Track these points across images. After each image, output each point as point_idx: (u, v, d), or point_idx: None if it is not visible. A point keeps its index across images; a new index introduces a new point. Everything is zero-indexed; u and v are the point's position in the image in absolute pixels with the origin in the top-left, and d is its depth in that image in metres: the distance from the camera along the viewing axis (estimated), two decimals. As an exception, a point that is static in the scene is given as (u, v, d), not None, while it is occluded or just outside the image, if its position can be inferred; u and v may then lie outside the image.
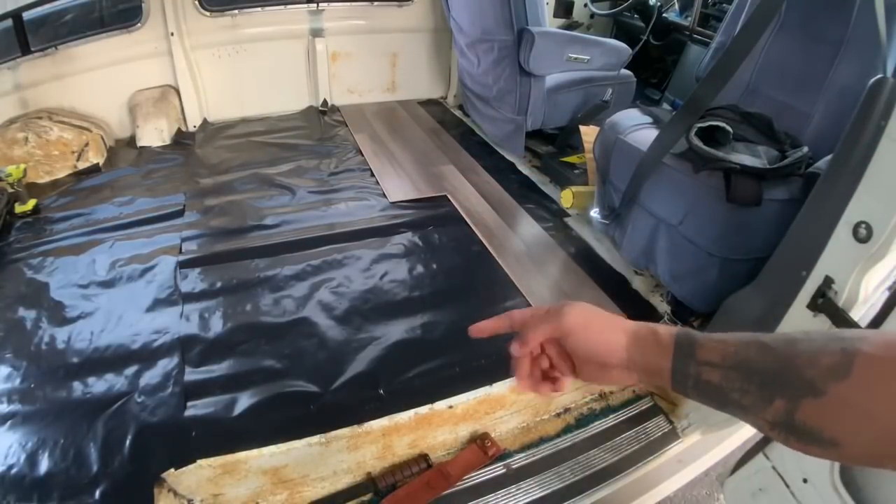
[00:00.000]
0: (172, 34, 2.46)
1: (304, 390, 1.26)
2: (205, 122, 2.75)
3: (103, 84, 2.43)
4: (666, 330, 0.48)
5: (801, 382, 0.39)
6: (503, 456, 1.30)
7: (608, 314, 0.53)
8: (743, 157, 1.30)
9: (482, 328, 0.58)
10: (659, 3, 2.62)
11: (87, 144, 2.26)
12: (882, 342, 0.37)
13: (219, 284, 1.58)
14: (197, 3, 2.49)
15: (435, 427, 1.27)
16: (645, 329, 0.50)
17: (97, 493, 1.04)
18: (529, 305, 1.55)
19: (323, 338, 1.42)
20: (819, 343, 0.40)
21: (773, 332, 0.44)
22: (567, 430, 1.37)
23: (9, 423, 1.16)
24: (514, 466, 1.28)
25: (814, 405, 0.38)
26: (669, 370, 0.46)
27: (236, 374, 1.30)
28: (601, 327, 0.51)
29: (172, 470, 1.07)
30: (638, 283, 1.68)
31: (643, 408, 1.46)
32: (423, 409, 1.23)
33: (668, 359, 0.47)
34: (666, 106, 2.60)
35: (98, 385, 1.25)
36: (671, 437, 1.38)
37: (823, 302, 1.00)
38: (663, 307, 1.58)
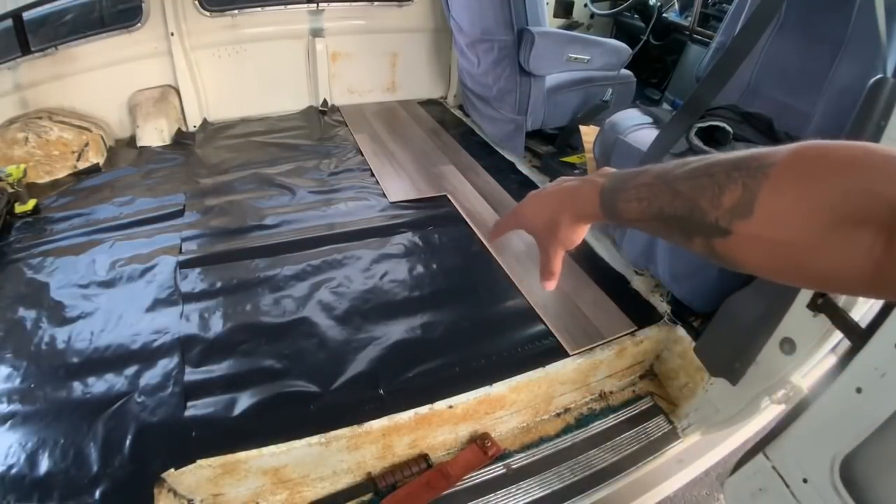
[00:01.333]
0: (172, 34, 2.46)
1: (304, 390, 1.26)
2: (205, 122, 2.75)
3: (103, 84, 2.43)
4: (587, 194, 0.51)
5: (708, 225, 0.39)
6: (503, 456, 1.30)
7: (545, 189, 0.60)
8: (743, 157, 1.30)
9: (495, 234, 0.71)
10: (659, 3, 2.62)
11: (87, 144, 2.26)
12: (788, 160, 0.36)
13: (219, 284, 1.58)
14: (197, 3, 2.49)
15: (435, 427, 1.27)
16: (569, 189, 0.55)
17: (97, 493, 1.04)
18: (529, 305, 1.55)
19: (323, 338, 1.41)
20: (723, 175, 0.39)
21: (691, 161, 0.43)
22: (567, 430, 1.38)
23: (9, 423, 1.16)
24: (514, 466, 1.28)
25: (725, 243, 0.39)
26: (605, 220, 0.50)
27: (236, 374, 1.29)
28: (542, 196, 0.60)
29: (172, 470, 1.07)
30: (638, 283, 1.68)
31: (643, 408, 1.47)
32: (423, 409, 1.23)
33: (601, 218, 0.51)
34: (666, 106, 2.60)
35: (98, 385, 1.25)
36: (671, 437, 1.38)
37: (823, 302, 1.00)
38: (663, 307, 1.58)
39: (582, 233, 0.57)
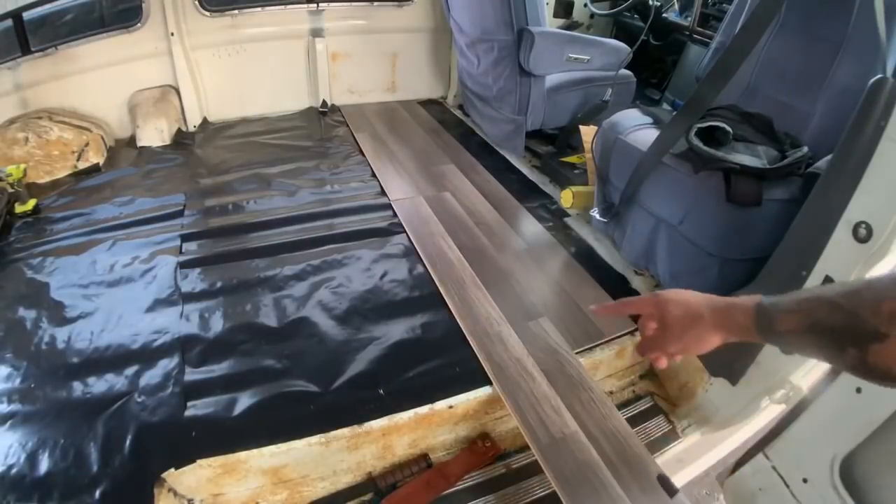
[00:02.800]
0: (172, 34, 2.46)
1: (304, 390, 1.26)
2: (205, 122, 2.75)
3: (103, 84, 2.43)
4: (743, 307, 0.56)
5: (866, 331, 0.45)
6: (503, 456, 1.30)
7: (691, 291, 0.64)
8: (743, 157, 1.30)
9: (605, 309, 0.75)
10: (659, 3, 2.62)
11: (87, 144, 2.26)
12: None
13: (219, 284, 1.58)
14: (197, 3, 2.49)
15: (435, 427, 1.27)
16: (727, 303, 0.59)
17: (97, 493, 1.04)
18: (527, 304, 1.55)
19: (323, 338, 1.41)
20: (881, 290, 0.46)
21: (838, 285, 0.51)
22: (567, 430, 1.37)
23: (9, 423, 1.16)
24: (514, 466, 1.28)
25: (880, 349, 0.44)
26: (755, 333, 0.55)
27: (236, 374, 1.29)
28: (691, 294, 0.63)
29: (172, 470, 1.07)
30: (638, 283, 1.68)
31: (643, 408, 1.47)
32: (423, 409, 1.23)
33: (751, 333, 0.55)
34: (666, 106, 2.60)
35: (98, 385, 1.25)
36: (671, 437, 1.38)
37: (823, 302, 1.00)
38: (663, 307, 1.57)
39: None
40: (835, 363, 0.50)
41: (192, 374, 1.28)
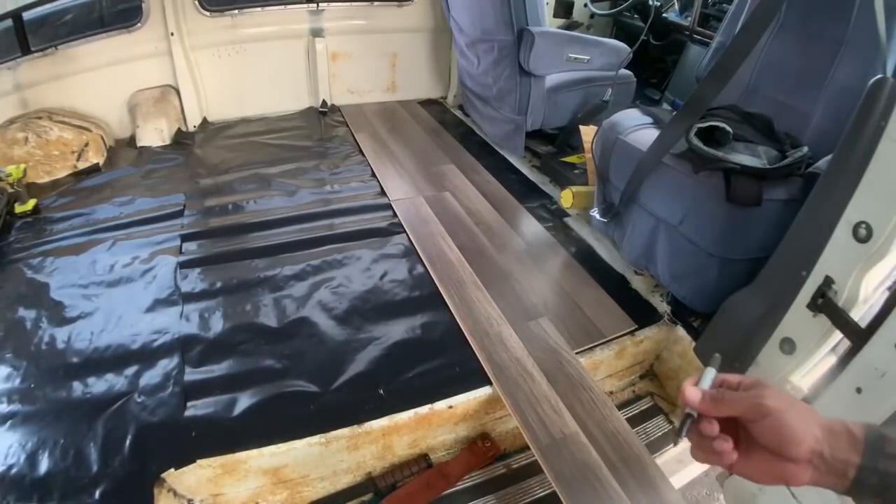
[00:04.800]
0: (172, 34, 2.46)
1: (304, 390, 1.26)
2: (205, 121, 2.75)
3: (103, 84, 2.43)
4: (856, 425, 0.48)
5: None
6: (503, 456, 1.30)
7: (804, 404, 0.51)
8: (743, 157, 1.30)
9: (692, 401, 0.52)
10: (658, 3, 2.62)
11: (87, 144, 2.26)
12: None
13: (219, 284, 1.58)
14: (197, 3, 2.49)
15: (435, 427, 1.27)
16: (839, 424, 0.49)
17: (97, 493, 1.04)
18: (527, 304, 1.55)
19: (323, 338, 1.41)
20: None
21: None
22: (567, 430, 1.38)
23: (9, 423, 1.16)
24: (514, 466, 1.28)
25: None
26: (857, 465, 0.46)
27: (236, 374, 1.29)
28: (802, 415, 0.49)
29: (172, 470, 1.07)
30: (638, 283, 1.68)
31: (643, 408, 1.47)
32: (423, 409, 1.23)
33: (857, 453, 0.46)
34: (666, 106, 2.60)
35: (98, 385, 1.25)
36: (671, 437, 1.38)
37: (823, 302, 1.00)
38: (663, 307, 1.58)
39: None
40: None
41: (192, 374, 1.28)
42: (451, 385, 1.28)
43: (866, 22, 1.35)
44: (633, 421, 1.39)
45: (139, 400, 1.21)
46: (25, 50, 2.23)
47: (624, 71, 2.29)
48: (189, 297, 1.53)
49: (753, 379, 0.52)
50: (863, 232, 0.92)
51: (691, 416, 0.52)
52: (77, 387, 1.25)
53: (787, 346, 1.10)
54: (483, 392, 1.28)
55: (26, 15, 2.20)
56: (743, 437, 0.50)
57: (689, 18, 2.59)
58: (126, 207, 1.97)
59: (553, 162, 2.36)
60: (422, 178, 2.25)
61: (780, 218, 1.19)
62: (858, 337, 0.93)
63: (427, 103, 3.15)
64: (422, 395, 1.25)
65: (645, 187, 1.51)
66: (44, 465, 1.08)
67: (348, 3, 2.84)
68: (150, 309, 1.49)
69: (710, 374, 0.54)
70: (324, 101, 2.95)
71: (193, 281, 1.59)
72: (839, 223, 0.96)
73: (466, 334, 1.42)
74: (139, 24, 2.43)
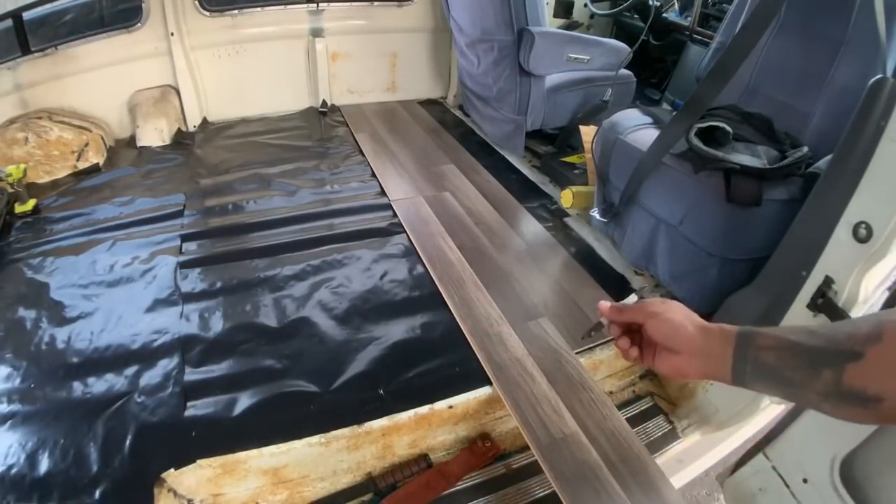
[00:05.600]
0: (172, 34, 2.46)
1: (304, 390, 1.26)
2: (205, 121, 2.75)
3: (103, 84, 2.43)
4: (729, 325, 0.58)
5: (843, 351, 0.48)
6: (503, 456, 1.30)
7: (687, 310, 0.64)
8: (743, 157, 1.30)
9: (602, 310, 0.71)
10: (658, 3, 2.62)
11: (87, 144, 2.26)
12: None
13: (219, 284, 1.58)
14: (197, 3, 2.49)
15: (435, 427, 1.27)
16: (714, 325, 0.60)
17: (97, 493, 1.04)
18: (527, 304, 1.55)
19: (323, 338, 1.41)
20: (857, 321, 0.51)
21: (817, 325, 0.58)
22: (567, 430, 1.37)
23: (9, 423, 1.16)
24: (514, 466, 1.28)
25: (856, 368, 0.47)
26: (731, 355, 0.55)
27: (236, 374, 1.29)
28: (679, 316, 0.62)
29: (172, 470, 1.07)
30: (638, 283, 1.68)
31: (643, 408, 1.47)
32: (423, 409, 1.23)
33: (730, 345, 0.56)
34: (666, 106, 2.60)
35: (98, 385, 1.25)
36: (671, 437, 1.38)
37: (823, 302, 1.00)
38: (663, 307, 1.57)
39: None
40: (803, 389, 0.50)
41: (192, 374, 1.28)
42: (451, 385, 1.28)
43: (866, 22, 1.35)
44: (633, 421, 1.39)
45: (139, 400, 1.21)
46: (25, 50, 2.23)
47: (624, 71, 2.29)
48: (189, 297, 1.53)
49: (652, 300, 0.67)
50: (863, 232, 0.92)
51: (601, 323, 0.72)
52: (77, 387, 1.25)
53: (787, 346, 1.09)
54: (483, 392, 1.28)
55: (26, 15, 2.20)
56: (646, 343, 0.66)
57: (689, 18, 2.59)
58: (126, 207, 1.97)
59: (553, 162, 2.36)
60: (422, 178, 2.25)
61: (780, 218, 1.20)
62: (858, 337, 0.92)
63: (427, 103, 3.15)
64: (422, 395, 1.25)
65: (645, 187, 1.51)
66: (44, 465, 1.08)
67: (348, 3, 2.84)
68: (150, 309, 1.49)
69: (630, 299, 0.71)
70: (324, 101, 2.95)
71: (193, 281, 1.59)
72: (839, 223, 0.97)
73: (466, 334, 1.42)
74: (139, 24, 2.43)
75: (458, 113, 3.06)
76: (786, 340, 0.52)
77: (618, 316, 0.68)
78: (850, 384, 0.47)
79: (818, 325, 0.54)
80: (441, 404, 1.24)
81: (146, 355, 1.33)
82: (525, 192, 2.21)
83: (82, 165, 2.23)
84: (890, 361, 0.45)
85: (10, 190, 1.91)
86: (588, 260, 1.80)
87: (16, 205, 1.90)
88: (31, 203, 1.92)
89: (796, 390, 0.51)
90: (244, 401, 1.22)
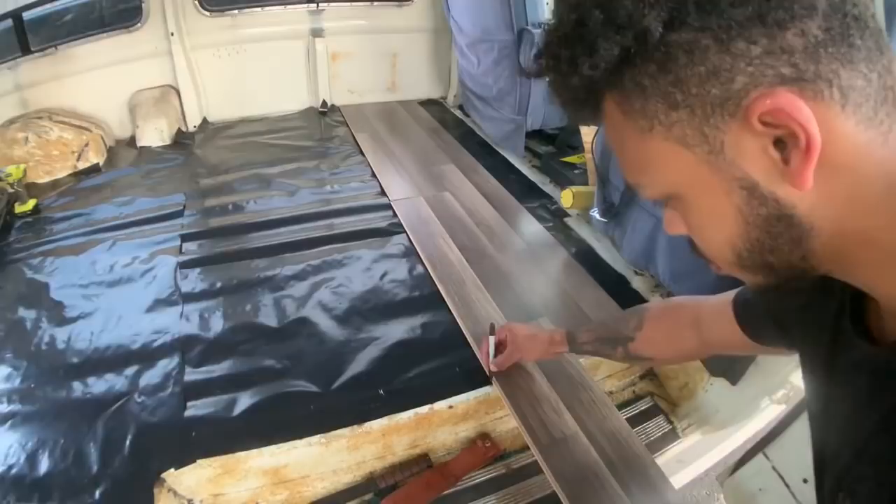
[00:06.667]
0: (172, 34, 2.46)
1: (304, 390, 1.26)
2: (205, 122, 2.75)
3: (103, 84, 2.43)
4: (559, 333, 1.06)
5: (623, 337, 0.88)
6: (503, 456, 1.30)
7: (534, 332, 1.16)
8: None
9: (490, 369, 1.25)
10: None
11: (87, 144, 2.26)
12: (656, 307, 0.91)
13: (219, 284, 1.58)
14: (197, 3, 2.50)
15: (435, 427, 1.27)
16: (556, 333, 1.07)
17: (97, 493, 1.04)
18: (527, 304, 1.55)
19: (323, 338, 1.41)
20: (628, 314, 0.91)
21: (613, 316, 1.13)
22: (567, 430, 1.37)
23: (9, 423, 1.16)
24: (514, 466, 1.28)
25: (633, 345, 0.86)
26: (566, 350, 1.05)
27: (236, 374, 1.29)
28: (532, 341, 1.15)
29: (172, 470, 1.07)
30: (638, 283, 1.68)
31: (643, 408, 1.47)
32: (423, 409, 1.23)
33: (564, 346, 1.04)
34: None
35: (98, 385, 1.25)
36: (671, 437, 1.38)
37: (823, 302, 1.00)
38: (663, 307, 1.57)
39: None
40: (611, 357, 0.93)
41: (192, 374, 1.28)
42: (451, 385, 1.28)
43: (866, 22, 1.35)
44: (633, 421, 1.39)
45: (139, 400, 1.21)
46: (25, 50, 2.23)
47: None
48: (189, 297, 1.53)
49: (507, 329, 1.19)
50: (863, 232, 0.92)
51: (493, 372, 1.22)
52: (77, 387, 1.25)
53: (788, 346, 1.09)
54: (483, 392, 1.28)
55: (26, 15, 2.20)
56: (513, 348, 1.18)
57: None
58: (126, 207, 1.97)
59: (553, 162, 2.36)
60: (422, 178, 2.25)
61: (781, 218, 1.19)
62: (858, 337, 0.92)
63: (427, 103, 3.15)
64: (422, 395, 1.25)
65: (645, 187, 1.51)
66: (44, 465, 1.08)
67: (348, 3, 2.84)
68: (150, 309, 1.49)
69: (492, 340, 1.22)
70: (324, 101, 2.95)
71: (193, 281, 1.59)
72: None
73: (466, 334, 1.42)
74: (139, 24, 2.43)
75: (458, 113, 3.06)
76: (593, 337, 0.97)
77: (503, 366, 1.22)
78: (633, 352, 0.87)
79: (612, 317, 1.05)
80: (441, 404, 1.24)
81: (146, 355, 1.33)
82: (525, 192, 2.21)
83: (82, 165, 2.23)
84: (650, 339, 0.85)
85: (10, 190, 1.91)
86: (588, 260, 1.80)
87: (16, 205, 1.91)
88: (32, 203, 1.92)
89: (608, 357, 0.95)
90: (244, 401, 1.22)
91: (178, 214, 1.93)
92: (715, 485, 1.67)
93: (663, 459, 1.31)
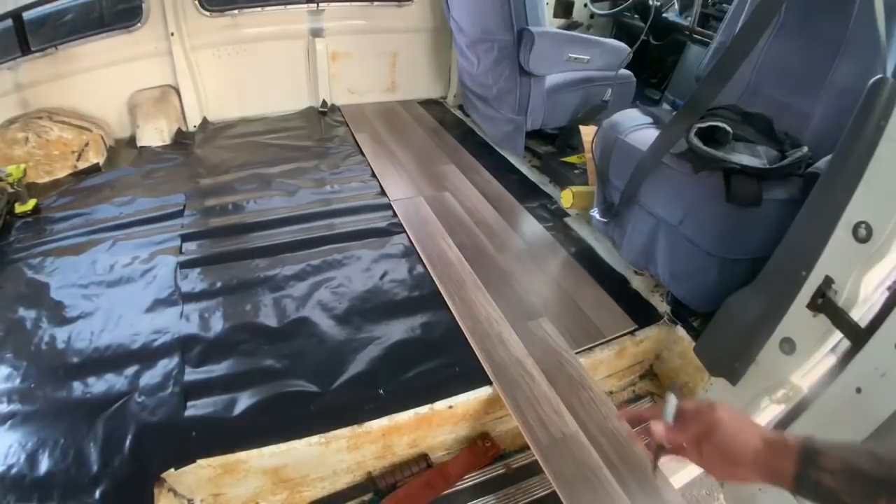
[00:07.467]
0: (172, 34, 2.46)
1: (304, 390, 1.26)
2: (205, 121, 2.75)
3: (103, 84, 2.43)
4: (793, 438, 0.57)
5: None
6: (503, 456, 1.30)
7: (749, 419, 0.63)
8: (743, 157, 1.30)
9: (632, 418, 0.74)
10: (658, 3, 2.62)
11: (87, 144, 2.26)
12: None
13: (219, 284, 1.58)
14: (197, 3, 2.49)
15: (435, 427, 1.27)
16: (776, 436, 0.58)
17: (97, 493, 1.04)
18: (527, 304, 1.55)
19: (323, 338, 1.41)
20: None
21: (883, 445, 0.54)
22: (567, 430, 1.37)
23: (9, 423, 1.16)
24: (514, 466, 1.28)
25: None
26: (793, 473, 0.54)
27: (236, 374, 1.29)
28: (743, 431, 0.60)
29: (172, 470, 1.07)
30: (638, 283, 1.68)
31: (643, 407, 1.47)
32: (423, 409, 1.23)
33: (792, 462, 0.54)
34: (666, 106, 2.60)
35: (98, 385, 1.25)
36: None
37: (823, 302, 1.00)
38: (663, 307, 1.58)
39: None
40: None
41: (192, 374, 1.28)
42: (451, 385, 1.28)
43: (866, 22, 1.35)
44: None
45: (139, 400, 1.21)
46: (25, 50, 2.23)
47: (624, 71, 2.29)
48: (189, 297, 1.53)
49: (707, 402, 0.64)
50: (863, 232, 0.92)
51: (663, 447, 0.67)
52: (77, 387, 1.25)
53: (787, 346, 1.10)
54: (483, 392, 1.28)
55: (26, 15, 2.20)
56: (704, 443, 0.62)
57: (689, 18, 2.59)
58: (126, 207, 1.97)
59: (553, 162, 2.36)
60: (422, 178, 2.25)
61: (780, 218, 1.19)
62: (858, 337, 0.93)
63: (427, 103, 3.15)
64: (422, 395, 1.25)
65: (645, 187, 1.51)
66: (44, 465, 1.08)
67: (348, 3, 2.84)
68: (150, 309, 1.49)
69: (672, 400, 0.69)
70: (324, 101, 2.95)
71: (193, 281, 1.59)
72: (839, 223, 0.96)
73: (466, 334, 1.42)
74: (139, 24, 2.43)
75: (458, 113, 3.06)
76: (850, 466, 0.52)
77: (678, 438, 0.65)
78: None
79: (886, 448, 0.53)
80: (441, 404, 1.24)
81: (146, 355, 1.33)
82: (525, 192, 2.21)
83: (82, 165, 2.23)
84: None
85: (10, 190, 1.91)
86: (588, 260, 1.80)
87: (16, 205, 1.91)
88: (32, 203, 1.92)
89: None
90: (244, 401, 1.22)
91: (178, 214, 1.93)
92: (715, 485, 1.67)
93: (663, 459, 1.31)
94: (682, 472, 1.32)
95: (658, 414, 0.68)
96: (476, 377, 1.31)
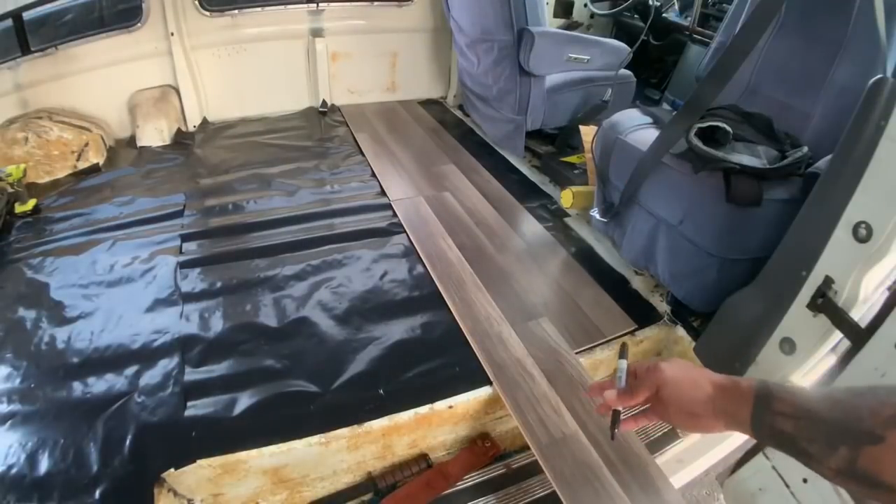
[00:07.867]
0: (172, 34, 2.46)
1: (304, 390, 1.26)
2: (205, 121, 2.75)
3: (103, 84, 2.43)
4: (746, 382, 0.56)
5: (863, 431, 0.44)
6: (503, 456, 1.30)
7: (697, 369, 0.62)
8: (743, 157, 1.30)
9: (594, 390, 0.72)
10: (658, 3, 2.62)
11: (87, 144, 2.26)
12: None
13: (219, 284, 1.58)
14: (197, 3, 2.49)
15: (435, 427, 1.27)
16: (728, 381, 0.57)
17: (97, 493, 1.04)
18: (527, 304, 1.55)
19: (323, 338, 1.41)
20: (882, 396, 0.46)
21: (842, 387, 0.50)
22: (567, 430, 1.37)
23: (9, 423, 1.16)
24: (514, 466, 1.28)
25: (873, 451, 0.43)
26: (749, 418, 0.53)
27: (236, 374, 1.29)
28: (692, 381, 0.60)
29: (172, 470, 1.07)
30: (638, 283, 1.68)
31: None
32: (423, 409, 1.23)
33: (748, 406, 0.53)
34: (666, 106, 2.60)
35: (98, 385, 1.25)
36: (671, 437, 1.38)
37: (823, 302, 1.00)
38: (663, 307, 1.58)
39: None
40: (818, 463, 0.48)
41: (192, 374, 1.28)
42: (451, 385, 1.28)
43: (866, 22, 1.35)
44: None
45: (139, 400, 1.21)
46: (25, 50, 2.23)
47: (624, 71, 2.29)
48: (189, 297, 1.53)
49: (653, 361, 0.63)
50: (863, 232, 0.92)
51: (618, 412, 0.69)
52: (77, 387, 1.25)
53: (787, 346, 1.10)
54: (483, 392, 1.28)
55: (26, 15, 2.20)
56: (658, 402, 0.63)
57: (689, 18, 2.59)
58: (126, 207, 1.97)
59: (553, 162, 2.36)
60: (422, 178, 2.25)
61: (780, 218, 1.19)
62: (858, 337, 0.93)
63: (427, 103, 3.15)
64: (422, 395, 1.25)
65: (645, 187, 1.51)
66: (44, 465, 1.08)
67: (348, 3, 2.84)
68: (150, 309, 1.49)
69: (622, 366, 0.69)
70: (324, 101, 2.95)
71: (193, 281, 1.59)
72: (839, 223, 0.96)
73: (466, 334, 1.42)
74: (139, 24, 2.43)
75: (458, 113, 3.06)
76: (804, 409, 0.49)
77: (631, 401, 0.66)
78: (864, 467, 0.44)
79: (842, 389, 0.50)
80: (441, 404, 1.24)
81: (146, 355, 1.33)
82: (525, 192, 2.21)
83: (82, 165, 2.23)
84: None
85: (10, 190, 1.91)
86: (588, 260, 1.80)
87: (16, 205, 1.91)
88: (31, 203, 1.92)
89: (810, 461, 0.49)
90: (244, 401, 1.22)
91: (178, 214, 1.93)
92: (715, 485, 1.67)
93: (663, 459, 1.31)
94: (682, 472, 1.32)
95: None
96: (476, 377, 1.31)
